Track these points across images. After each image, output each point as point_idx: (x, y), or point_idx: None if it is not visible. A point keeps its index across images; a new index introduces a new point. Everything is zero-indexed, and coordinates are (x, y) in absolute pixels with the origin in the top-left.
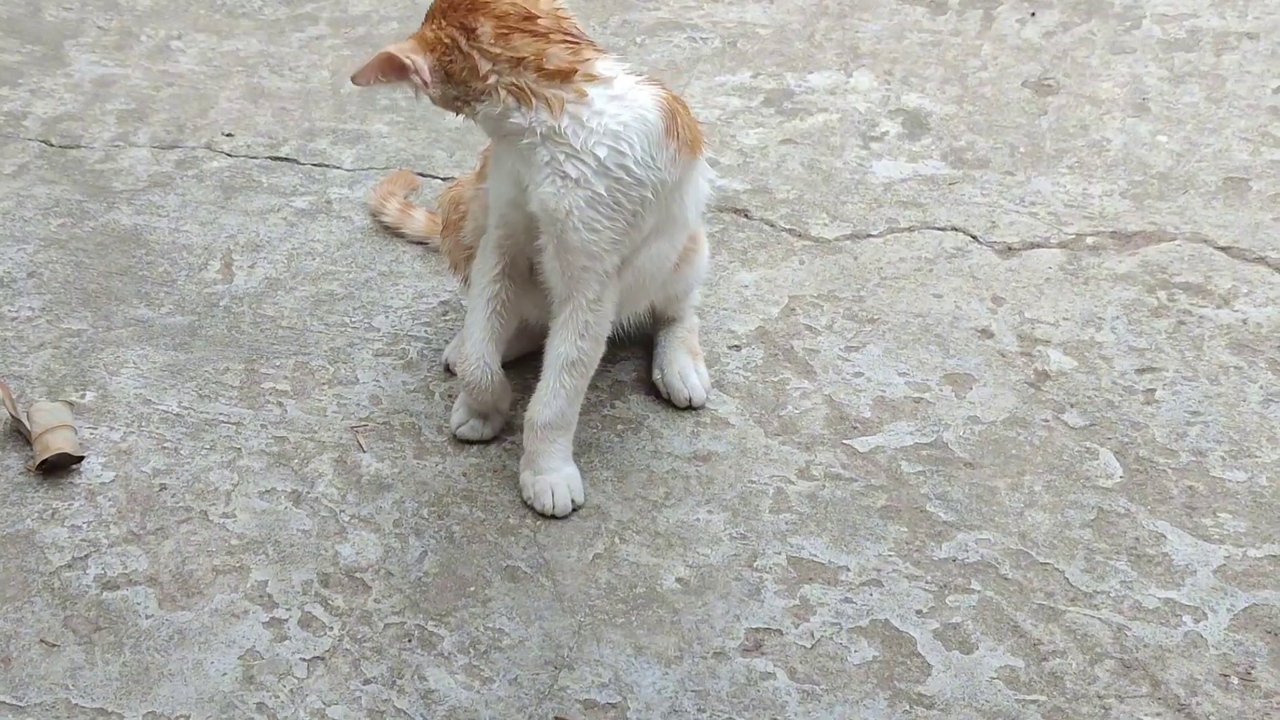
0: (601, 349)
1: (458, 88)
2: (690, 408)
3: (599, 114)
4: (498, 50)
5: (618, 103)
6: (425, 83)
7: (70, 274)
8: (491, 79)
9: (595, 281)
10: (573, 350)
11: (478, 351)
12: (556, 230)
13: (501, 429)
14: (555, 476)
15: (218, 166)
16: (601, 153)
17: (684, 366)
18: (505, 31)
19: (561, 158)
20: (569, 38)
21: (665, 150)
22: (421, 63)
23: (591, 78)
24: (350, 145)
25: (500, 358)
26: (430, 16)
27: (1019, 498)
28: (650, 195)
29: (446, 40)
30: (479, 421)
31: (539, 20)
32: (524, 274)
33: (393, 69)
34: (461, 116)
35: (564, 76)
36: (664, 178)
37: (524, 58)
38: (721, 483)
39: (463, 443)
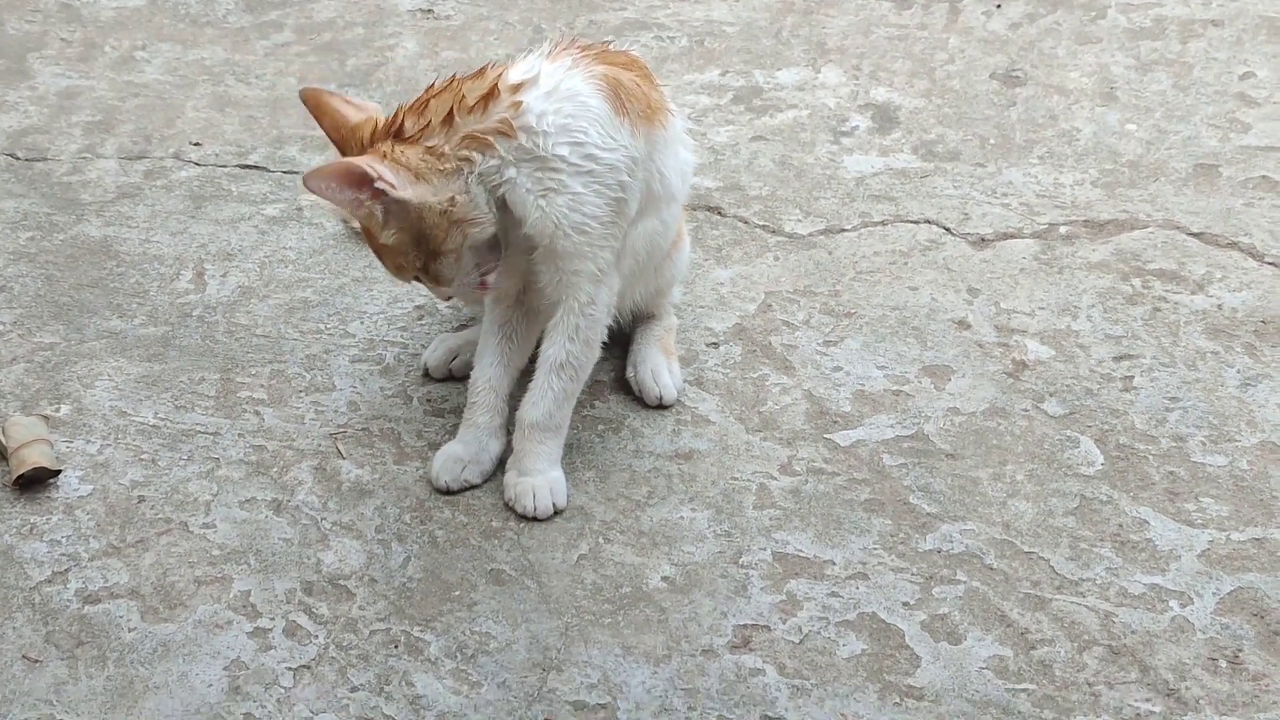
0: (594, 353)
1: (431, 183)
2: (661, 406)
3: (543, 115)
4: (427, 121)
5: (555, 98)
6: (392, 184)
7: (41, 287)
8: (446, 148)
9: (588, 283)
10: (561, 353)
11: (486, 375)
12: (547, 241)
13: (488, 475)
14: (539, 479)
15: (186, 176)
16: (564, 151)
17: (657, 365)
18: (420, 107)
19: (539, 175)
20: (470, 74)
21: (621, 128)
22: (383, 168)
23: (515, 86)
24: (320, 151)
25: (510, 385)
26: (362, 149)
27: (1001, 488)
28: (627, 176)
29: (385, 150)
30: (459, 466)
31: (434, 84)
32: (535, 299)
33: (352, 180)
34: (463, 240)
35: (489, 99)
36: (632, 154)
37: (450, 111)
38: (704, 480)
39: (446, 493)
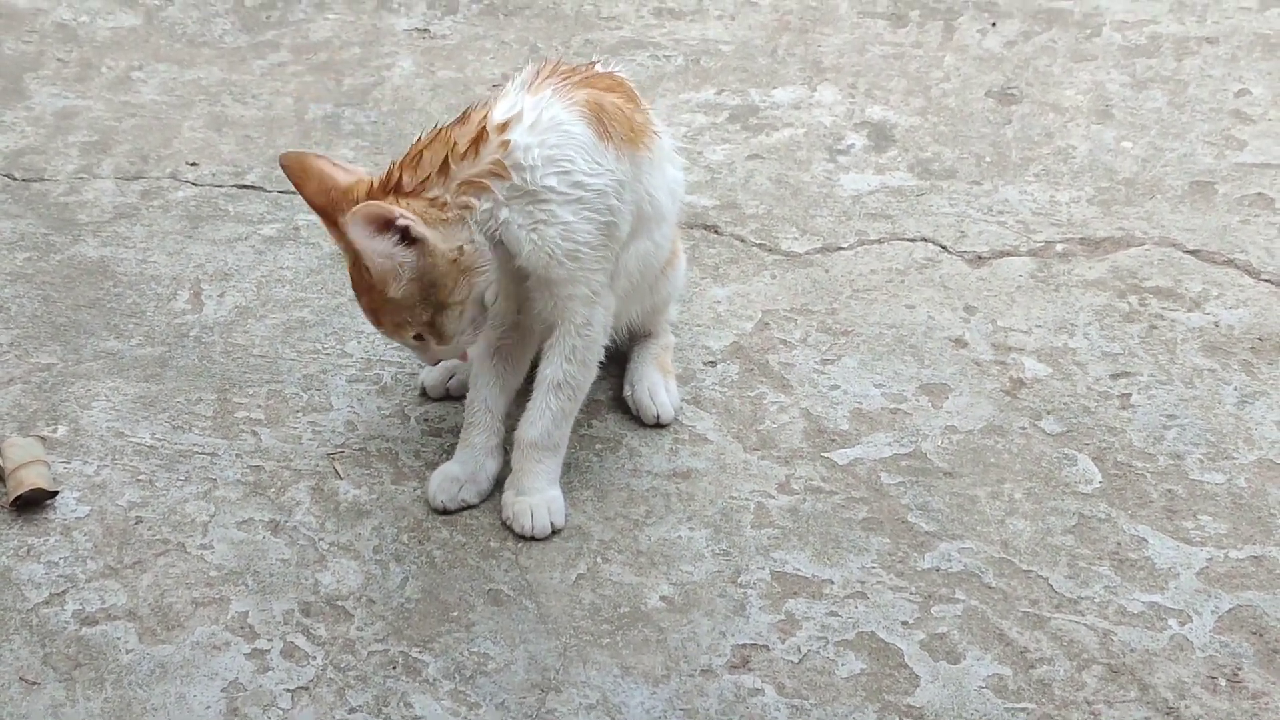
0: (591, 373)
1: (440, 231)
2: (659, 425)
3: (528, 149)
4: (424, 174)
5: (538, 130)
6: (411, 219)
7: (38, 308)
8: (447, 197)
9: (582, 306)
10: (559, 373)
11: (482, 395)
12: (541, 271)
13: (485, 495)
14: (537, 498)
15: (183, 196)
16: (552, 182)
17: (654, 384)
18: (414, 161)
19: (530, 209)
20: (456, 120)
21: (606, 153)
22: (399, 209)
23: (502, 126)
24: None
25: (506, 405)
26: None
27: (1000, 506)
28: (615, 200)
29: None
30: (456, 485)
31: (421, 137)
32: (530, 320)
33: (377, 223)
34: (469, 290)
35: (479, 143)
36: (619, 178)
37: (444, 160)
38: (702, 499)
39: (443, 513)
